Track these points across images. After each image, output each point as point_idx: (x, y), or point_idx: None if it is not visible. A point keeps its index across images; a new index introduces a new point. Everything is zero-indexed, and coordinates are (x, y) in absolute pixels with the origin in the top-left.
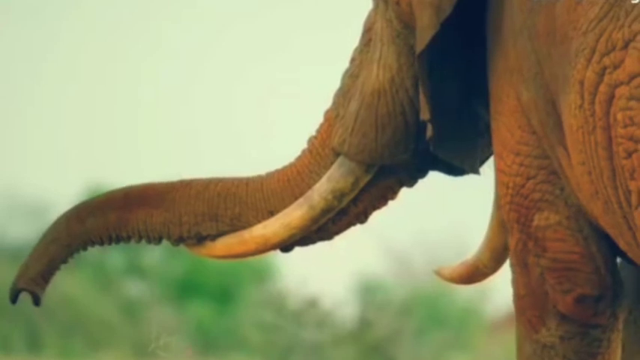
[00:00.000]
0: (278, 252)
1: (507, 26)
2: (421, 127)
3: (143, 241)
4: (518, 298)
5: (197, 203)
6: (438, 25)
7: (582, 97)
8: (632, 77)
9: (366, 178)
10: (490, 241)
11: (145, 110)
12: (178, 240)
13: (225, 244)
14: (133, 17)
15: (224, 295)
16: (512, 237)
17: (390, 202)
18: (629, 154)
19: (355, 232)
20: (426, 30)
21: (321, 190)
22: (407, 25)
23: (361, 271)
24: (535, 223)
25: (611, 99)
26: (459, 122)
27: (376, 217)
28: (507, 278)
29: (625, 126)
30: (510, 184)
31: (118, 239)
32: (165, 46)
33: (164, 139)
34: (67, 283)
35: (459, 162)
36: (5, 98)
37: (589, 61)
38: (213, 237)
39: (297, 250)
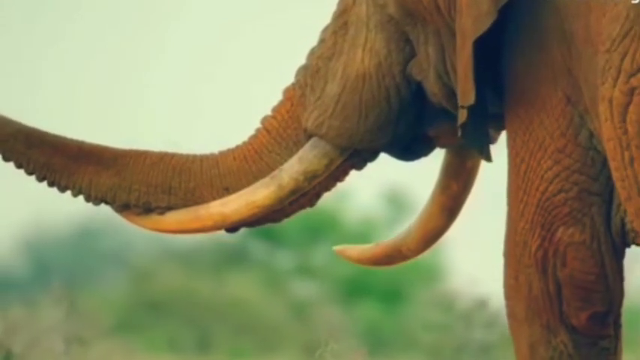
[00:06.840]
0: (448, 252)
1: (549, 25)
2: (401, 113)
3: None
4: (532, 301)
5: (151, 173)
6: (496, 12)
7: (611, 114)
8: None
9: (339, 161)
10: (424, 225)
11: (149, 112)
12: (123, 206)
13: (176, 219)
14: (138, 18)
15: (393, 296)
16: (532, 240)
17: None
18: None
19: None
20: (485, 16)
21: (291, 171)
22: (409, 12)
23: None
24: (559, 235)
25: None
26: (485, 109)
27: None
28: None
29: None
30: (541, 189)
31: (53, 184)
32: (171, 47)
33: (169, 141)
34: (236, 284)
35: (480, 149)
36: (12, 96)
37: (615, 80)
38: (162, 210)
39: (467, 250)
